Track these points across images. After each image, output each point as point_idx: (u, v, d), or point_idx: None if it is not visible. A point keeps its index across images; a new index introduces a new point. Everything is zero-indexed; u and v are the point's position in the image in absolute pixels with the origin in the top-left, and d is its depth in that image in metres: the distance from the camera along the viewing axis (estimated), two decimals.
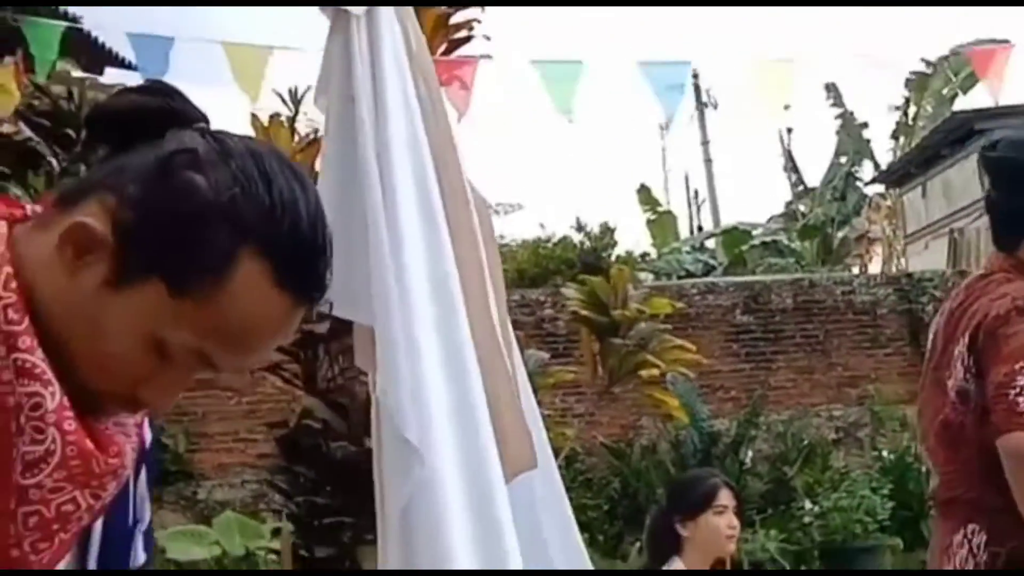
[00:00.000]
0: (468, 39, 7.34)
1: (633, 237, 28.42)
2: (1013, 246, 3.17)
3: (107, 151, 1.43)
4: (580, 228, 18.56)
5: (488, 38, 6.80)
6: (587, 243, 17.70)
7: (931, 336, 3.38)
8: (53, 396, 1.36)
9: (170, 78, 5.02)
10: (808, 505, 12.16)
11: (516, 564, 3.15)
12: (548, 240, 17.87)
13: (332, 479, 6.67)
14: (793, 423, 13.51)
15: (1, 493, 1.36)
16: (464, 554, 3.08)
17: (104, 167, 1.40)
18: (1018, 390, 2.91)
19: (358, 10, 3.10)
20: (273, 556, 6.97)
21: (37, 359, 1.35)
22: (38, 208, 1.45)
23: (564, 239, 18.18)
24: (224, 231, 1.33)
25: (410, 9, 3.32)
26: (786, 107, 7.59)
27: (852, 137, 23.08)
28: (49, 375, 1.36)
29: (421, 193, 3.14)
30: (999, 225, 3.26)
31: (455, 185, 3.27)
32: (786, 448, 13.21)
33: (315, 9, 3.24)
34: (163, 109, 1.40)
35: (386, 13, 3.15)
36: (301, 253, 1.37)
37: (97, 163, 1.45)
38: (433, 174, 3.19)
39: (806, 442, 13.30)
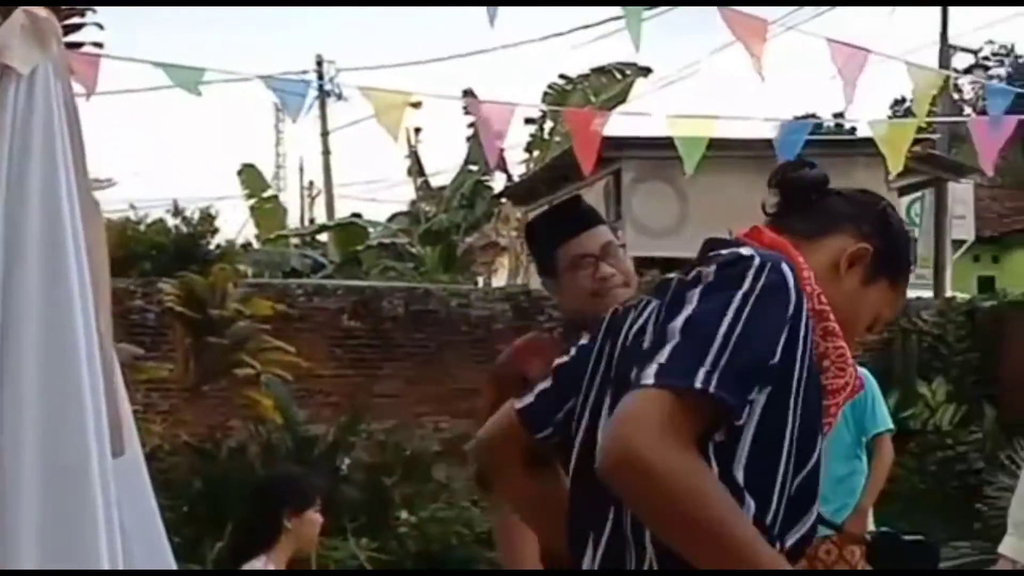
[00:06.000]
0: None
1: (237, 221, 27.53)
2: None
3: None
4: (177, 212, 17.37)
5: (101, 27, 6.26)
6: (184, 228, 16.80)
7: None
8: (848, 349, 2.13)
9: None
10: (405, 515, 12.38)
11: (96, 550, 3.36)
12: (139, 222, 16.70)
13: None
14: (396, 432, 13.46)
15: (815, 413, 2.08)
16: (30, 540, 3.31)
17: (810, 215, 2.23)
18: None
19: (23, 69, 3.46)
20: None
21: (837, 326, 2.12)
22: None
23: (158, 222, 17.04)
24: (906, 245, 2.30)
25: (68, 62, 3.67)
26: (415, 104, 7.46)
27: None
28: (842, 335, 2.12)
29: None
30: None
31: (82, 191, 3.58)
32: (385, 458, 13.17)
33: None
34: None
35: (42, 72, 3.51)
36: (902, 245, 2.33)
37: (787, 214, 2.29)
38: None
39: (407, 452, 13.32)
